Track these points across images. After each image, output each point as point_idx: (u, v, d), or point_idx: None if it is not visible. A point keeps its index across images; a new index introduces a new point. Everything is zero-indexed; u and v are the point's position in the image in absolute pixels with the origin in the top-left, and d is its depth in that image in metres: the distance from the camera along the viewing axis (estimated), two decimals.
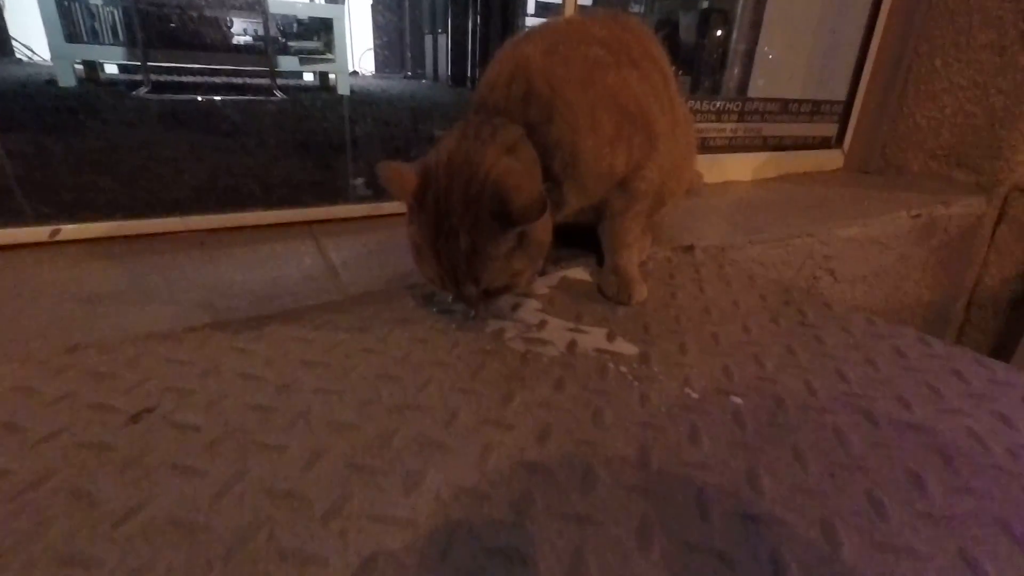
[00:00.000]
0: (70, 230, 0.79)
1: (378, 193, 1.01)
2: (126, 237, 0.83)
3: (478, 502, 0.38)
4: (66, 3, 2.94)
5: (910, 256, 1.28)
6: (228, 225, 0.89)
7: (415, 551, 0.34)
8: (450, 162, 0.57)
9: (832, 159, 1.60)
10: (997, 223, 1.38)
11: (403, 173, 0.58)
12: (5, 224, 0.75)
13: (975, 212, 1.34)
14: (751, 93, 1.75)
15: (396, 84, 4.40)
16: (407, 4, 5.35)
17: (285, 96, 3.01)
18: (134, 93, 2.67)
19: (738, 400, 0.52)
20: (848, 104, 1.54)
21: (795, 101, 1.46)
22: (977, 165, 1.38)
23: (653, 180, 0.73)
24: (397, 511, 0.37)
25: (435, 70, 4.57)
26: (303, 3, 3.53)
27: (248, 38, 3.47)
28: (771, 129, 1.45)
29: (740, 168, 1.42)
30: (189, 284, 0.70)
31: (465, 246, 0.55)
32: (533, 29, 0.72)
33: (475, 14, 4.16)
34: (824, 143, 1.57)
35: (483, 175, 0.55)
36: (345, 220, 0.97)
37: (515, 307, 0.69)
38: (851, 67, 1.52)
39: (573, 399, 0.51)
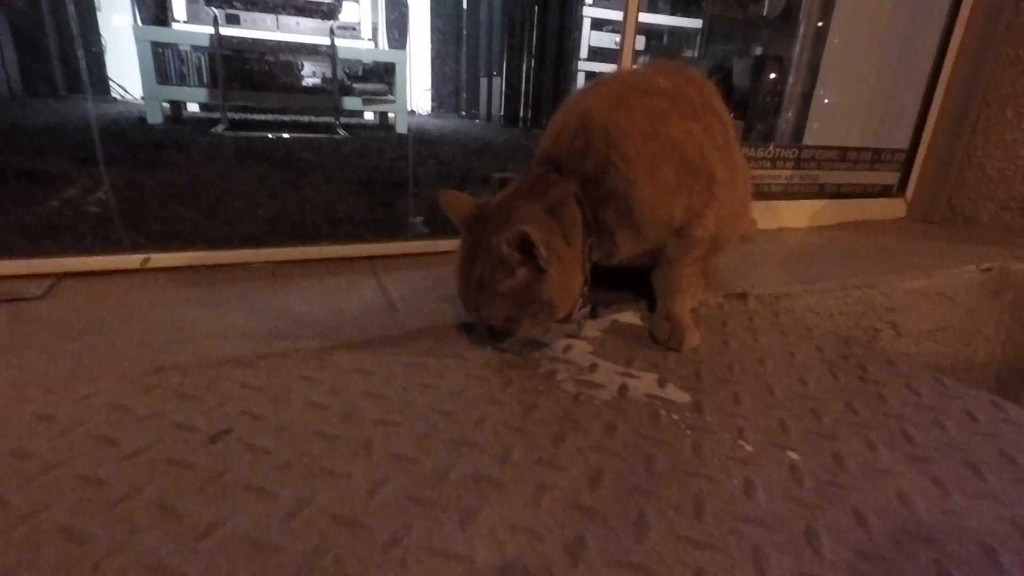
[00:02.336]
0: (159, 258, 0.86)
1: (435, 231, 1.05)
2: (207, 266, 0.89)
3: (533, 542, 0.39)
4: (160, 50, 3.23)
5: (980, 311, 1.22)
6: (296, 258, 0.95)
7: None
8: (499, 205, 0.64)
9: (894, 208, 1.55)
10: None
11: (461, 201, 0.65)
12: (105, 251, 0.82)
13: None
14: (807, 139, 1.74)
15: (451, 123, 4.57)
16: (464, 48, 5.59)
17: (347, 134, 3.19)
18: (212, 130, 2.89)
19: (795, 456, 0.51)
20: (911, 152, 1.51)
21: (854, 149, 1.44)
22: None
23: (709, 228, 0.74)
24: (455, 546, 0.38)
25: (488, 110, 4.73)
26: (369, 49, 3.76)
27: (316, 80, 3.72)
28: (828, 176, 1.43)
29: (795, 215, 1.40)
30: (262, 312, 0.75)
31: (477, 274, 0.61)
32: (601, 79, 0.75)
33: (529, 58, 4.29)
34: (885, 191, 1.54)
35: (516, 221, 0.59)
36: (403, 256, 1.02)
37: (566, 349, 0.70)
38: (914, 115, 1.49)
39: (624, 444, 0.51)
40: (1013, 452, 0.54)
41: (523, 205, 0.63)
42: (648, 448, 0.51)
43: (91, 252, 0.81)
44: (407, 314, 0.78)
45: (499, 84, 4.52)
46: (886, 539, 0.41)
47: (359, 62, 3.89)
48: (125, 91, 4.75)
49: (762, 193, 1.36)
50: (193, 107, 3.63)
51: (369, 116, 4.15)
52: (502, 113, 4.41)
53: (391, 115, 3.71)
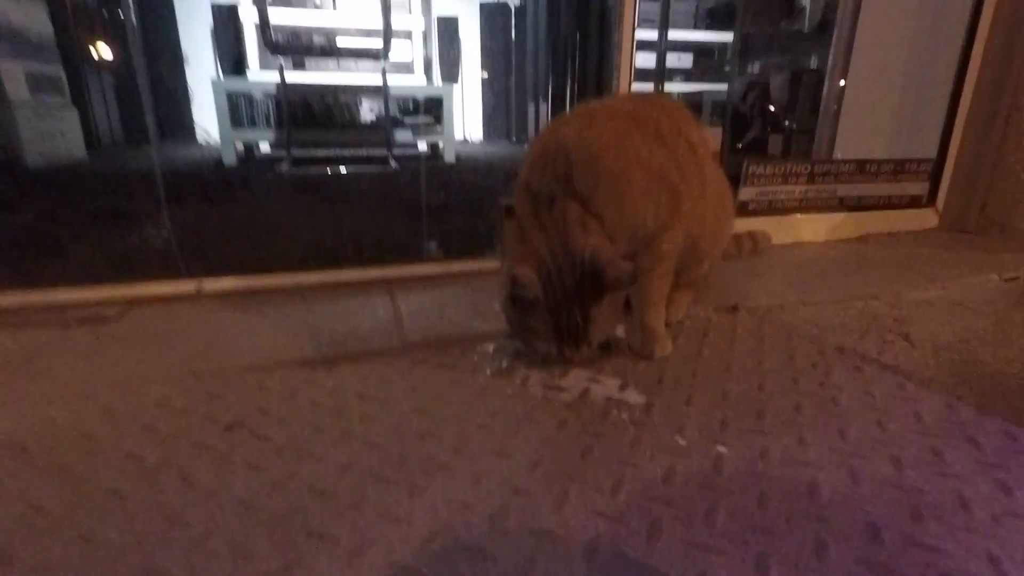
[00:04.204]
0: (210, 284, 1.01)
1: (447, 253, 1.16)
2: (249, 291, 1.04)
3: (464, 512, 0.47)
4: (235, 99, 3.59)
5: (1012, 322, 1.18)
6: (325, 281, 1.08)
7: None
8: (553, 255, 0.69)
9: (925, 218, 1.52)
10: None
11: (531, 277, 0.68)
12: (167, 279, 0.99)
13: None
14: (838, 151, 1.73)
15: (501, 149, 4.75)
16: (513, 77, 5.79)
17: (398, 166, 3.41)
18: (276, 168, 3.18)
19: (723, 449, 0.56)
20: (940, 161, 1.48)
21: (873, 161, 1.44)
22: None
23: (677, 241, 0.80)
24: (399, 510, 0.47)
25: (537, 135, 4.88)
26: (419, 85, 4.00)
27: (371, 116, 3.99)
28: (847, 189, 1.43)
29: (811, 228, 1.41)
30: (288, 329, 0.88)
31: (580, 317, 0.68)
32: (569, 112, 0.83)
33: (572, 81, 4.43)
34: (915, 202, 1.51)
35: (580, 258, 0.67)
36: (420, 278, 1.13)
37: (542, 359, 0.78)
38: (940, 123, 1.47)
39: (570, 438, 0.58)
40: (943, 448, 0.57)
41: (571, 239, 0.69)
42: (589, 441, 0.58)
43: (156, 280, 0.97)
44: (410, 329, 0.88)
45: (545, 109, 4.66)
46: (779, 516, 0.47)
47: (410, 97, 4.15)
48: (208, 135, 5.26)
49: (776, 208, 1.39)
50: (265, 147, 4.00)
51: (423, 146, 4.39)
52: None
53: (441, 144, 3.92)
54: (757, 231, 1.31)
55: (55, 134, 3.24)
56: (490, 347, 0.81)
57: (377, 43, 3.20)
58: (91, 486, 0.50)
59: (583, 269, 0.67)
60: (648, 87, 3.20)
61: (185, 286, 0.98)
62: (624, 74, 1.23)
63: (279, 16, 3.53)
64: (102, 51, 4.26)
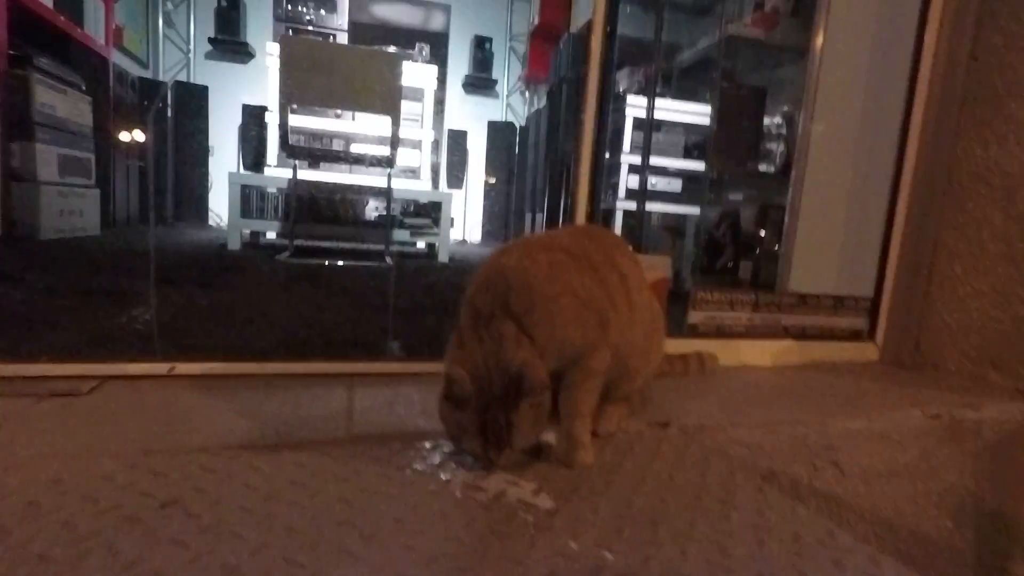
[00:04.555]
0: (183, 367, 1.09)
1: (410, 352, 1.24)
2: (219, 375, 1.11)
3: None
4: (246, 191, 3.85)
5: (936, 456, 1.24)
6: (292, 371, 1.15)
7: None
8: (486, 362, 0.78)
9: (866, 351, 1.62)
10: None
11: (464, 376, 0.77)
12: (142, 359, 1.06)
13: (1016, 419, 1.29)
14: (792, 281, 1.87)
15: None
16: (514, 186, 6.20)
17: (391, 263, 3.58)
18: (277, 256, 3.34)
19: (609, 555, 0.61)
20: (876, 299, 1.61)
21: (814, 296, 1.57)
22: (1014, 370, 1.35)
23: (605, 360, 0.89)
24: None
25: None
26: (420, 190, 4.30)
27: (374, 215, 4.24)
28: (791, 319, 1.55)
29: (758, 353, 1.50)
30: (246, 414, 0.94)
31: (504, 421, 0.75)
32: (512, 243, 0.96)
33: (566, 197, 4.75)
34: (856, 336, 1.62)
35: (510, 368, 0.76)
36: (381, 375, 1.20)
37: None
38: (875, 263, 1.62)
39: (474, 536, 0.64)
40: (808, 570, 0.62)
41: (503, 351, 0.77)
42: (489, 540, 0.63)
43: (130, 359, 1.05)
44: (359, 422, 0.95)
45: (541, 219, 4.96)
46: None
47: (412, 200, 4.45)
48: (220, 220, 5.54)
49: (724, 333, 1.49)
50: (271, 234, 4.23)
51: (421, 245, 4.63)
52: None
53: (436, 244, 4.14)
54: (705, 352, 1.41)
55: (74, 211, 3.45)
56: (427, 445, 0.88)
57: (387, 150, 3.49)
58: (23, 550, 0.55)
59: (511, 378, 0.76)
60: (632, 205, 3.42)
61: (158, 367, 1.06)
62: (582, 197, 1.38)
63: (299, 121, 3.87)
64: (135, 137, 4.62)
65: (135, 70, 5.04)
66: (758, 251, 2.85)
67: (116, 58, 4.54)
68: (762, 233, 2.69)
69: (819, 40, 1.71)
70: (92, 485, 0.68)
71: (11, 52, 3.04)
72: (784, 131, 2.89)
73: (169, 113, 5.19)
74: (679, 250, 3.43)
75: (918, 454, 1.23)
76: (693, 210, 4.08)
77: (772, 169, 2.94)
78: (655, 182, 3.71)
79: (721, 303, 1.48)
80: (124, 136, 4.37)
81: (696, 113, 3.29)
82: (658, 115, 3.27)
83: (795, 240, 1.90)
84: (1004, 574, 1.27)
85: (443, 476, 0.78)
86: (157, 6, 5.50)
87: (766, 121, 3.00)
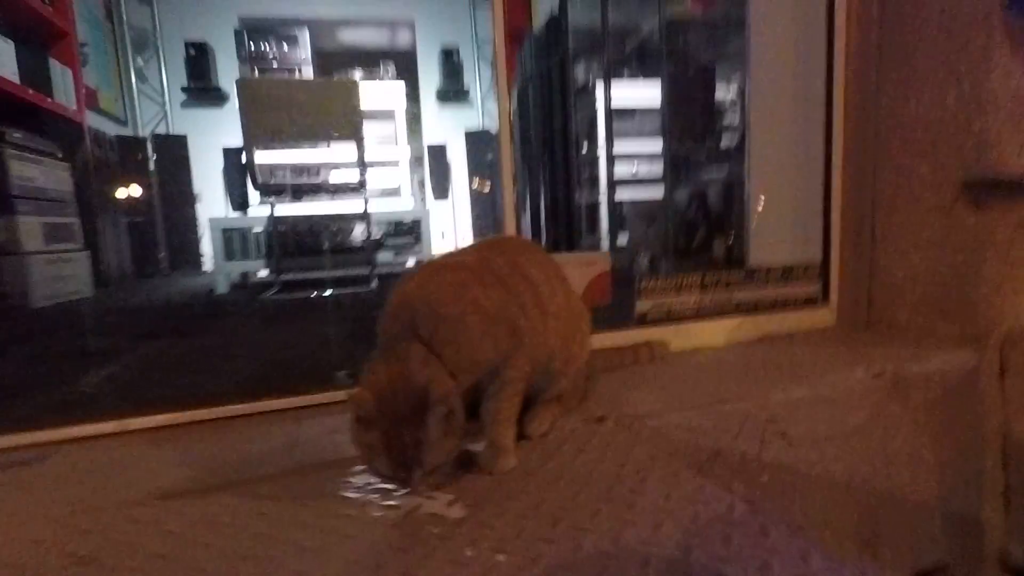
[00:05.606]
0: (134, 422, 1.13)
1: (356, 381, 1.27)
2: (171, 426, 1.15)
3: None
4: (227, 234, 3.92)
5: (887, 415, 1.25)
6: (242, 412, 1.19)
7: None
8: (392, 384, 0.78)
9: (823, 316, 1.63)
10: (1002, 376, 1.30)
11: (367, 398, 0.77)
12: (90, 421, 1.11)
13: (962, 367, 1.29)
14: (751, 256, 1.88)
15: None
16: (497, 192, 6.23)
17: (375, 286, 3.63)
18: (261, 296, 3.40)
19: (502, 558, 0.64)
20: (825, 264, 1.62)
21: (761, 270, 1.58)
22: (958, 317, 1.35)
23: (522, 368, 0.91)
24: None
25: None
26: (398, 210, 4.35)
27: (357, 240, 4.29)
28: (742, 295, 1.56)
29: (710, 333, 1.51)
30: (189, 461, 0.98)
31: (411, 440, 0.76)
32: (415, 268, 0.99)
33: (545, 197, 4.75)
34: (811, 302, 1.63)
35: (417, 387, 0.77)
36: (332, 403, 1.24)
37: None
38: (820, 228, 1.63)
39: (376, 553, 0.66)
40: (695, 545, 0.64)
41: (408, 371, 0.79)
42: (390, 556, 0.66)
43: (82, 421, 1.09)
44: (300, 454, 0.98)
45: (527, 220, 4.97)
46: None
47: (391, 222, 4.51)
48: (213, 263, 5.62)
49: (673, 317, 1.51)
50: (263, 272, 4.31)
51: (411, 262, 4.68)
52: None
53: (423, 260, 4.18)
54: (654, 341, 1.43)
55: (65, 276, 3.54)
56: (358, 470, 0.91)
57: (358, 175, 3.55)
58: None
59: (417, 395, 0.77)
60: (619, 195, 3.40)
61: (105, 426, 1.10)
62: (508, 206, 1.41)
63: (270, 158, 3.92)
64: (118, 196, 4.72)
65: (114, 129, 5.15)
66: (728, 229, 2.86)
67: (94, 120, 4.65)
68: (730, 210, 2.70)
69: (751, 11, 1.73)
70: (20, 551, 0.72)
71: None
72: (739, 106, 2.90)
73: (151, 167, 5.30)
74: (654, 234, 3.44)
75: (866, 415, 1.23)
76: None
77: (730, 145, 2.95)
78: (636, 170, 3.72)
79: (667, 289, 1.49)
80: (109, 195, 4.47)
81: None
82: (628, 102, 3.26)
83: (753, 214, 1.91)
84: (974, 520, 1.27)
85: (366, 498, 0.81)
86: (128, 64, 5.62)
87: (726, 97, 3.01)
